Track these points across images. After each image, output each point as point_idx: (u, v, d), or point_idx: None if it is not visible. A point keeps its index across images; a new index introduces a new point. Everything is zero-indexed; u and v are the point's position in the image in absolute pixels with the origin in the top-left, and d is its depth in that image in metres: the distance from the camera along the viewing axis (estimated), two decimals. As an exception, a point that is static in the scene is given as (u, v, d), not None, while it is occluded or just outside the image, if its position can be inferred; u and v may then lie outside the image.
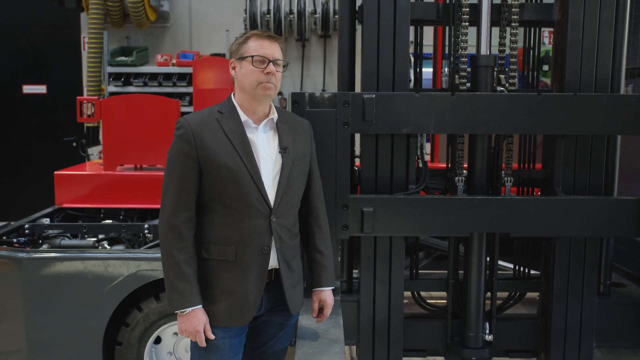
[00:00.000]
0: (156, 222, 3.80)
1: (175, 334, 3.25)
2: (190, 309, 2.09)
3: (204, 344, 2.13)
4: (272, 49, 2.17)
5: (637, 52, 4.09)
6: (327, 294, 2.34)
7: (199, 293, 2.12)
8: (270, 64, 2.15)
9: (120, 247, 3.54)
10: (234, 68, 2.22)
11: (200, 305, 2.11)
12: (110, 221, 3.83)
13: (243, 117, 2.18)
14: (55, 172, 3.97)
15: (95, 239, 3.54)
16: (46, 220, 3.74)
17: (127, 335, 3.17)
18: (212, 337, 2.13)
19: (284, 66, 2.21)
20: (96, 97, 4.58)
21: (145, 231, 3.66)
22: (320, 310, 2.36)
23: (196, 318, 2.10)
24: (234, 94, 2.25)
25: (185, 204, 2.11)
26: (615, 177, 2.91)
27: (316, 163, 2.39)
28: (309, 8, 6.87)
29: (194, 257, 2.13)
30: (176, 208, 2.10)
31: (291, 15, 6.86)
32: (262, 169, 2.15)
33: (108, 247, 3.49)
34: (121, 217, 3.97)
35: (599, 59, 2.73)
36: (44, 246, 3.44)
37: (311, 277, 2.36)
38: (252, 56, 2.14)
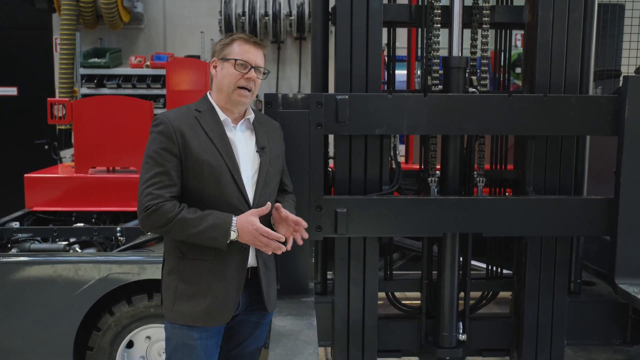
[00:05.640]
0: (129, 224, 3.76)
1: (148, 337, 3.22)
2: (234, 225, 2.03)
3: (276, 235, 2.05)
4: (256, 55, 2.19)
5: (606, 55, 4.17)
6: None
7: (221, 212, 2.06)
8: (252, 69, 2.17)
9: (92, 250, 3.49)
10: (215, 67, 2.22)
11: (234, 215, 2.05)
12: (81, 224, 3.77)
13: (222, 116, 2.19)
14: (25, 175, 3.91)
15: (66, 242, 3.48)
16: (16, 224, 3.67)
17: (99, 339, 3.12)
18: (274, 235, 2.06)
19: (264, 73, 2.23)
20: (67, 99, 4.51)
21: (118, 234, 3.62)
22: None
23: (246, 223, 2.03)
24: (210, 93, 2.25)
25: (169, 190, 2.06)
26: (585, 177, 2.95)
27: (285, 163, 2.42)
28: (284, 10, 6.86)
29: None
30: (161, 192, 2.04)
31: (266, 18, 6.84)
32: (241, 168, 2.15)
33: (79, 250, 3.43)
34: (93, 220, 3.92)
35: (568, 60, 2.77)
36: (13, 250, 3.37)
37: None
38: (236, 59, 2.16)
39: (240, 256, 2.14)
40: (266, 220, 2.16)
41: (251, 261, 2.19)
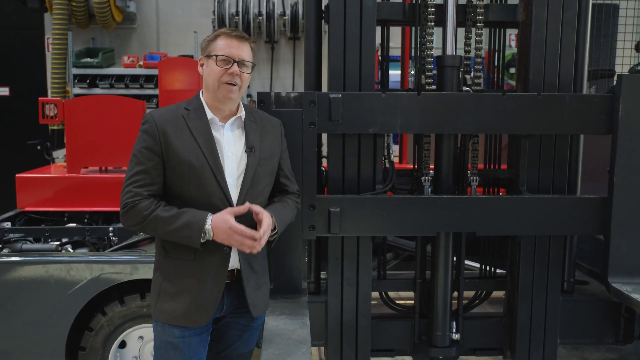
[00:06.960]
0: (121, 224, 3.74)
1: (141, 337, 3.20)
2: (209, 224, 2.00)
3: (250, 233, 2.01)
4: (240, 49, 2.14)
5: (600, 54, 4.18)
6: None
7: (198, 211, 2.04)
8: (235, 64, 2.12)
9: (84, 250, 3.46)
10: (201, 65, 2.20)
11: (210, 214, 2.03)
12: (74, 224, 3.75)
13: (209, 115, 2.16)
14: (17, 175, 3.87)
15: (58, 242, 3.46)
16: (7, 224, 3.64)
17: (91, 339, 3.10)
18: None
19: (252, 67, 2.18)
20: (59, 99, 4.48)
21: (110, 234, 3.59)
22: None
23: (221, 222, 2.00)
24: (201, 92, 2.23)
25: (148, 188, 2.06)
26: (578, 176, 2.95)
27: (287, 162, 2.36)
28: (277, 10, 6.84)
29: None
30: (139, 190, 2.05)
31: (260, 17, 6.82)
32: (226, 168, 2.12)
33: (71, 250, 3.41)
34: (86, 220, 3.89)
35: (562, 59, 2.77)
36: (5, 250, 3.34)
37: None
38: (217, 55, 2.12)
39: (221, 257, 2.11)
40: (250, 221, 2.10)
41: (234, 263, 2.15)
